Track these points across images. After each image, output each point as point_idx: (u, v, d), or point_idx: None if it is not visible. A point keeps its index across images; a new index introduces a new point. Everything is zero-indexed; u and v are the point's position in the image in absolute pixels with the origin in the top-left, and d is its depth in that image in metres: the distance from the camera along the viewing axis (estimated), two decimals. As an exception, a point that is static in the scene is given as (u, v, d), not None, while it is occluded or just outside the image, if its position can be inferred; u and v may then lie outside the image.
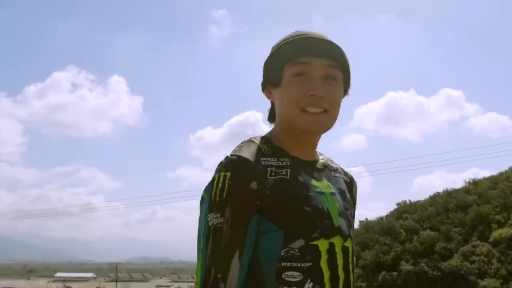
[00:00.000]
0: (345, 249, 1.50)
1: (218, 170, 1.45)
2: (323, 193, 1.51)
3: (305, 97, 1.49)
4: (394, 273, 35.87)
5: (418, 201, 46.14)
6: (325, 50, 1.51)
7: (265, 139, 1.57)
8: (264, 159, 1.47)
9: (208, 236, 1.40)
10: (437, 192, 48.22)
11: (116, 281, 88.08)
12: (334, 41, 1.54)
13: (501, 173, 46.03)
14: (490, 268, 34.58)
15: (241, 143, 1.54)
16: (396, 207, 45.39)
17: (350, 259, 1.52)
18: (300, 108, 1.49)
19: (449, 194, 44.79)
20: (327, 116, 1.51)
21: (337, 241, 1.48)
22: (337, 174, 1.65)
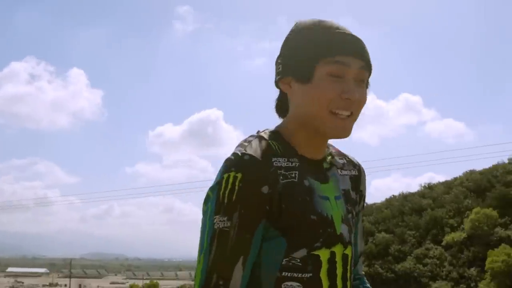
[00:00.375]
0: (345, 257, 1.44)
1: (227, 169, 1.33)
2: (327, 198, 1.43)
3: (339, 100, 1.36)
4: (349, 274, 36.22)
5: (374, 204, 46.85)
6: (360, 50, 1.39)
7: (275, 134, 1.45)
8: (275, 159, 1.36)
9: (213, 239, 1.30)
10: (393, 195, 49.09)
11: (70, 277, 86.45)
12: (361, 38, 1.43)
13: (455, 178, 47.09)
14: (442, 271, 35.36)
15: (249, 137, 1.43)
16: (353, 209, 45.70)
17: (349, 267, 1.45)
18: (329, 110, 1.36)
19: (405, 198, 45.62)
20: (351, 120, 1.41)
21: (338, 249, 1.41)
22: (344, 171, 1.55)
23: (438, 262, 36.08)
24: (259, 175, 1.32)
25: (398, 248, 37.71)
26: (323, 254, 1.38)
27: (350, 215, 1.50)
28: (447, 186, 45.44)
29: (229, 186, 1.31)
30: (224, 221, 1.30)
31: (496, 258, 29.11)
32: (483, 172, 46.16)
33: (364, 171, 1.64)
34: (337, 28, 1.40)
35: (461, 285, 33.22)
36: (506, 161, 47.35)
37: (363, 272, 1.71)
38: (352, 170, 1.59)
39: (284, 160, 1.38)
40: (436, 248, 37.47)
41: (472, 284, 32.90)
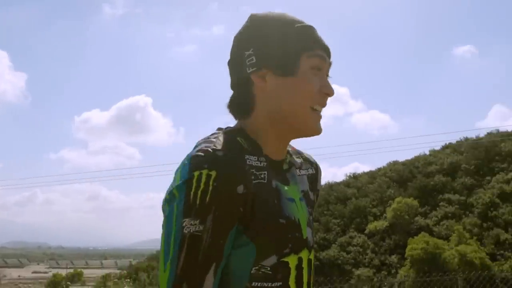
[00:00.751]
0: (309, 263, 1.36)
1: (198, 166, 1.17)
2: (293, 200, 1.33)
3: (319, 94, 1.32)
4: (275, 261, 36.56)
5: (301, 193, 47.51)
6: (328, 47, 1.37)
7: (240, 131, 1.34)
8: (248, 157, 1.26)
9: (182, 244, 1.14)
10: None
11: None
12: None
13: (379, 169, 48.48)
14: (365, 258, 36.38)
15: (213, 133, 1.31)
16: (280, 197, 46.10)
17: (312, 272, 1.38)
18: (310, 106, 1.32)
19: (331, 187, 46.58)
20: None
21: (304, 255, 1.33)
22: (302, 171, 1.47)
23: (361, 249, 37.08)
24: (235, 173, 1.19)
25: (323, 236, 38.48)
26: (292, 261, 1.28)
27: (311, 217, 1.44)
28: (371, 176, 46.71)
29: (202, 186, 1.15)
30: (195, 224, 1.14)
31: (415, 245, 30.15)
32: (405, 163, 47.63)
33: (320, 169, 1.56)
34: (302, 22, 1.35)
35: (383, 272, 34.28)
36: (427, 153, 49.16)
37: None
38: (309, 169, 1.52)
39: (255, 158, 1.28)
40: (359, 236, 38.49)
41: (393, 271, 34.02)
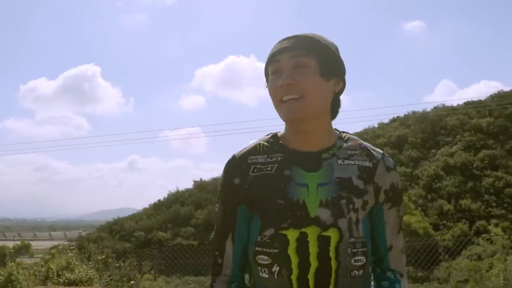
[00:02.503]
0: (323, 238, 1.57)
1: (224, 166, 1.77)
2: (306, 185, 1.62)
3: (279, 89, 1.64)
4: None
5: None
6: (292, 44, 1.66)
7: (273, 135, 1.78)
8: (252, 157, 1.71)
9: (214, 220, 1.77)
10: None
11: None
12: (314, 34, 1.70)
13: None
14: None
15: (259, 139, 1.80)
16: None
17: (332, 247, 1.58)
18: (279, 100, 1.66)
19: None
20: (301, 103, 1.61)
21: (311, 230, 1.57)
22: (349, 161, 1.69)
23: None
24: (232, 170, 1.71)
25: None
26: (291, 234, 1.59)
27: (343, 201, 1.61)
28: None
29: (219, 181, 1.77)
30: (217, 206, 1.76)
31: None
32: (354, 135, 48.47)
33: (384, 165, 1.72)
34: (283, 38, 1.72)
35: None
36: (376, 126, 50.16)
37: (400, 269, 1.75)
38: (365, 162, 1.70)
39: (263, 157, 1.70)
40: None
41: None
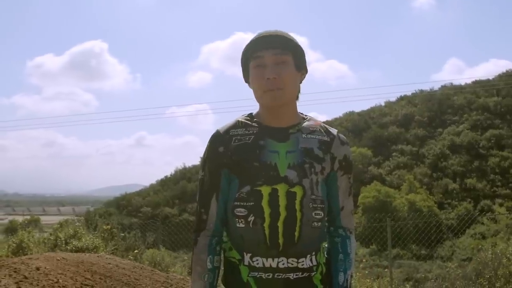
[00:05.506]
0: (291, 194, 1.96)
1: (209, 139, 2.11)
2: (276, 151, 2.01)
3: (266, 81, 1.99)
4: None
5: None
6: (272, 42, 2.01)
7: (249, 114, 2.14)
8: (233, 130, 2.06)
9: (198, 185, 2.10)
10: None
11: None
12: (283, 33, 2.06)
13: (335, 119, 49.13)
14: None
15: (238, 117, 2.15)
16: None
17: (298, 201, 1.96)
18: (263, 91, 2.00)
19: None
20: (282, 92, 2.00)
21: (281, 187, 1.96)
22: (311, 135, 2.09)
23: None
24: (217, 140, 2.06)
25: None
26: (264, 190, 1.96)
27: (307, 165, 2.02)
28: (329, 125, 47.15)
29: (204, 152, 2.10)
30: (202, 171, 2.09)
31: (367, 194, 31.02)
32: (361, 114, 48.44)
33: (339, 140, 2.13)
34: (260, 34, 2.06)
35: (336, 219, 35.16)
36: (383, 104, 50.08)
37: (350, 226, 2.14)
38: (324, 137, 2.11)
39: (242, 130, 2.06)
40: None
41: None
